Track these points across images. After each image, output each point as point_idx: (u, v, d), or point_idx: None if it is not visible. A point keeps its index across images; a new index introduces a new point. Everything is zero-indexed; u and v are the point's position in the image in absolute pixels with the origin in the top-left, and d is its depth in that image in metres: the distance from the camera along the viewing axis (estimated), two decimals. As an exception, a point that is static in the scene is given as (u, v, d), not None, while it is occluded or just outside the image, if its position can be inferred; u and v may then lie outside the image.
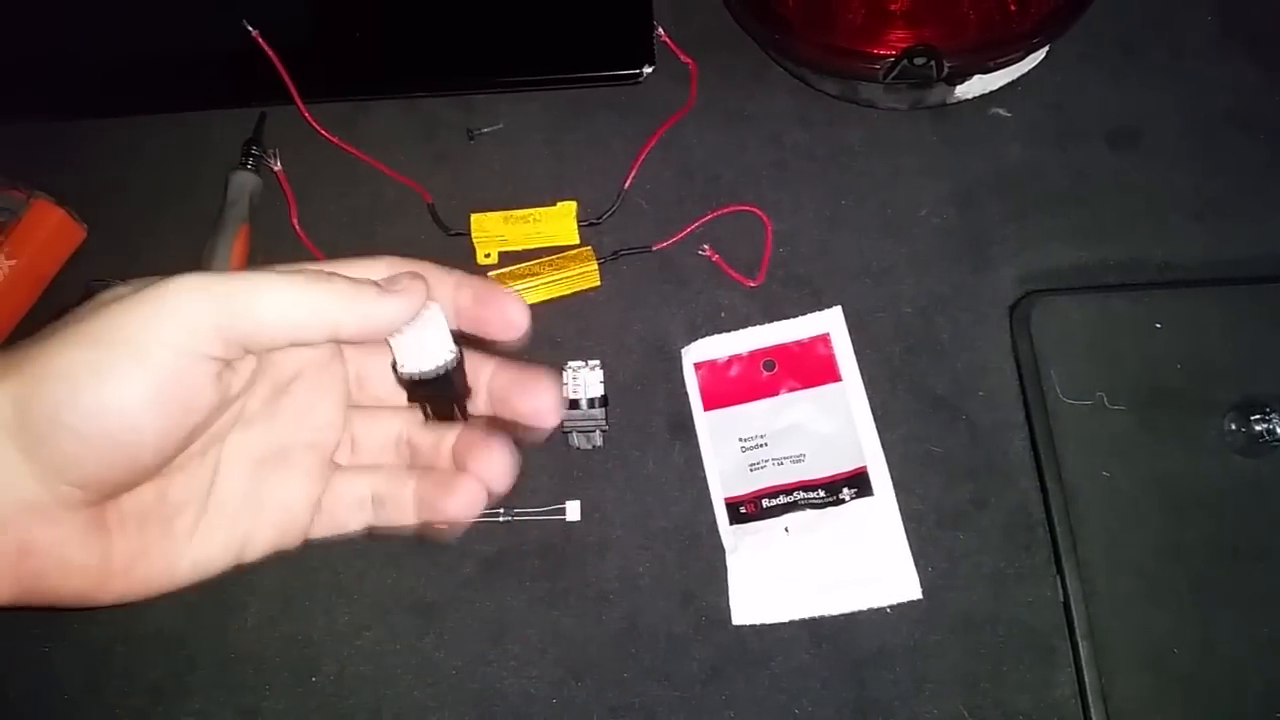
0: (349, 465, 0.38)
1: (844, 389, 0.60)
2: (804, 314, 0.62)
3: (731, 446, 0.59)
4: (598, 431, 0.58)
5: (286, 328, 0.32)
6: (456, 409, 0.37)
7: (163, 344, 0.30)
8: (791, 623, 0.55)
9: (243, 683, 0.55)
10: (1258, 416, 0.56)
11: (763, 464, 0.58)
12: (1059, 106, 0.68)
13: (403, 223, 0.67)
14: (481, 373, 0.38)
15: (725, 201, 0.66)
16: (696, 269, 0.64)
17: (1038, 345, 0.59)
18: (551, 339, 0.63)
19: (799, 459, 0.58)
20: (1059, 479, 0.56)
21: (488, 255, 0.65)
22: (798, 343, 0.61)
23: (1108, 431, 0.57)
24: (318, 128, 0.68)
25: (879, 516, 0.57)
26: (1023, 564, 0.56)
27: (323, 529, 0.37)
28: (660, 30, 0.70)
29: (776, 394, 0.60)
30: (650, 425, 0.60)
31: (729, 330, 0.62)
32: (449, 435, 0.38)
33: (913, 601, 0.55)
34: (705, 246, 0.64)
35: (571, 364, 0.59)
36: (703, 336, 0.62)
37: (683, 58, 0.70)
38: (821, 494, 0.57)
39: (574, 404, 0.58)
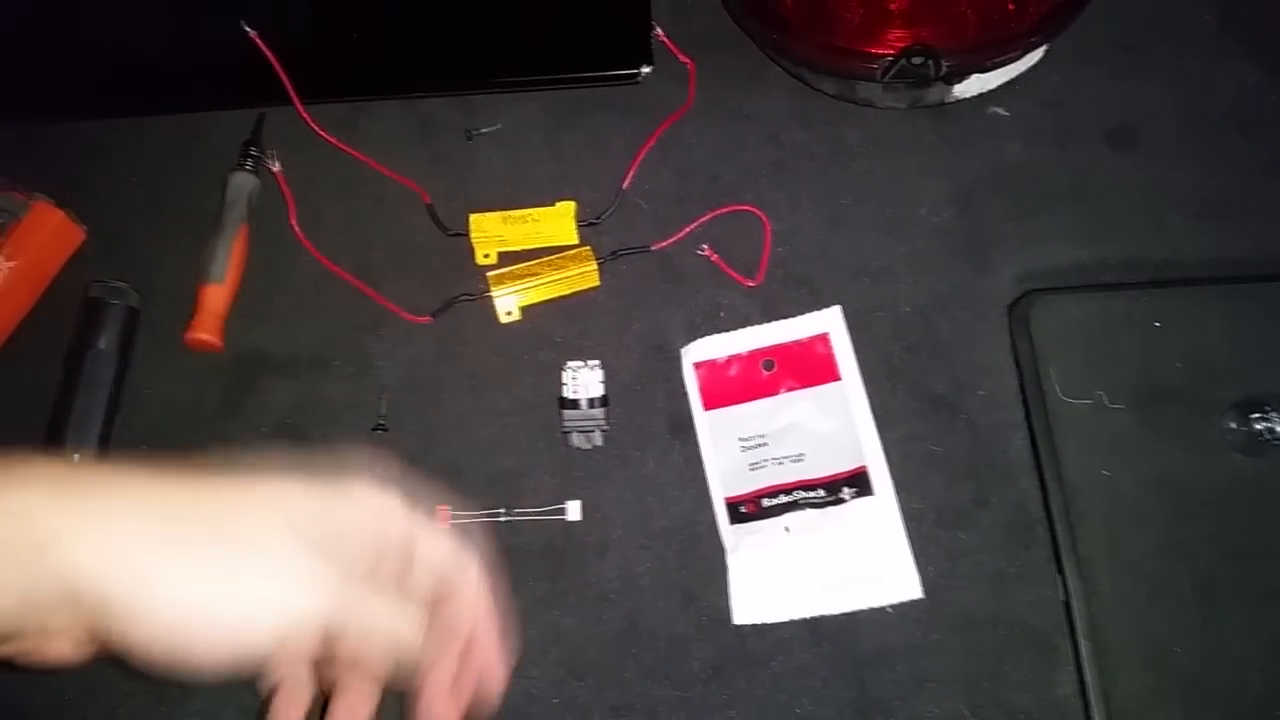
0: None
1: (843, 388, 0.60)
2: (803, 313, 0.62)
3: (731, 446, 0.59)
4: (598, 431, 0.58)
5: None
6: None
7: (265, 632, 0.33)
8: (792, 622, 0.55)
9: (246, 684, 0.55)
10: (1257, 415, 0.56)
11: (763, 463, 0.58)
12: (1058, 106, 0.68)
13: (401, 223, 0.67)
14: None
15: (724, 201, 0.66)
16: (696, 269, 0.64)
17: (1037, 344, 0.59)
18: (551, 339, 0.63)
19: (799, 458, 0.58)
20: (1059, 478, 0.56)
21: (486, 255, 0.65)
22: (797, 342, 0.61)
23: (1108, 430, 0.57)
24: (316, 129, 0.68)
25: (879, 516, 0.56)
26: (1023, 563, 0.56)
27: None
28: (658, 30, 0.70)
29: (776, 393, 0.60)
30: (650, 425, 0.60)
31: (728, 330, 0.62)
32: None
33: (913, 601, 0.55)
34: (704, 246, 0.64)
35: (571, 364, 0.59)
36: (702, 336, 0.62)
37: (681, 58, 0.70)
38: (822, 493, 0.57)
39: (574, 404, 0.58)
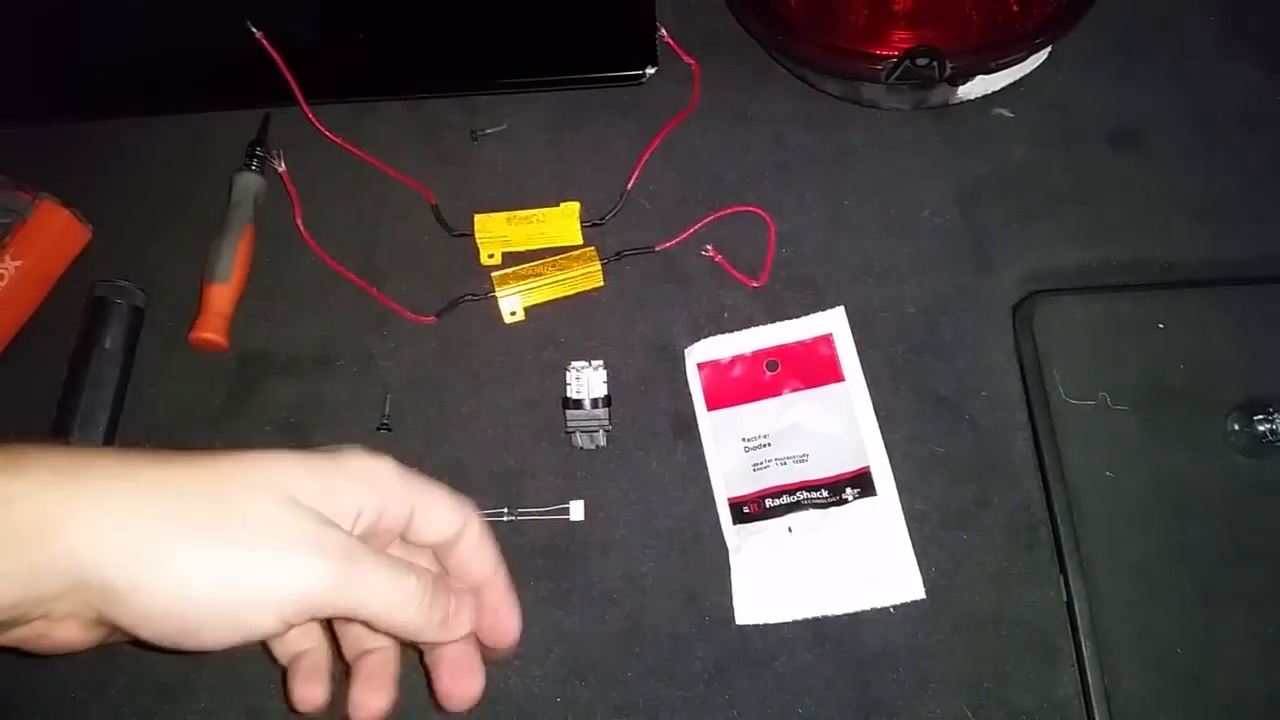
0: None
1: (847, 389, 0.60)
2: (807, 314, 0.62)
3: (735, 446, 0.59)
4: (601, 431, 0.59)
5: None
6: None
7: (266, 612, 0.33)
8: (795, 622, 0.55)
9: (249, 683, 0.55)
10: (1261, 417, 0.56)
11: (766, 464, 0.58)
12: (1062, 107, 0.68)
13: (406, 224, 0.67)
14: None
15: (728, 202, 0.66)
16: (699, 269, 0.64)
17: (1041, 345, 0.59)
18: (555, 339, 0.63)
19: (802, 459, 0.58)
20: (1062, 479, 0.56)
21: (491, 256, 0.65)
22: (801, 343, 0.61)
23: (1111, 432, 0.57)
24: (322, 129, 0.69)
25: (882, 516, 0.57)
26: (1026, 564, 0.56)
27: None
28: (663, 31, 0.70)
29: (779, 394, 0.60)
30: (654, 425, 0.60)
31: (732, 330, 0.62)
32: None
33: (916, 601, 0.55)
34: (708, 247, 0.64)
35: (575, 364, 0.59)
36: (706, 337, 0.62)
37: (685, 59, 0.70)
38: (825, 494, 0.57)
39: (577, 404, 0.58)
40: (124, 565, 0.31)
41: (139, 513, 0.32)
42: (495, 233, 0.65)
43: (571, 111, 0.70)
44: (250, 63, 0.69)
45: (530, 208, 0.65)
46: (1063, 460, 0.56)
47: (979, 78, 0.64)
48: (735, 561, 0.56)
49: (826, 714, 0.53)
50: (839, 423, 0.59)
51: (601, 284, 0.64)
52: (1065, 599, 0.54)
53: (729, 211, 0.65)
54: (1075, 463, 0.56)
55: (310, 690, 0.38)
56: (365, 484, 0.36)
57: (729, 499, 0.58)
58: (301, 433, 0.61)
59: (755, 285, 0.63)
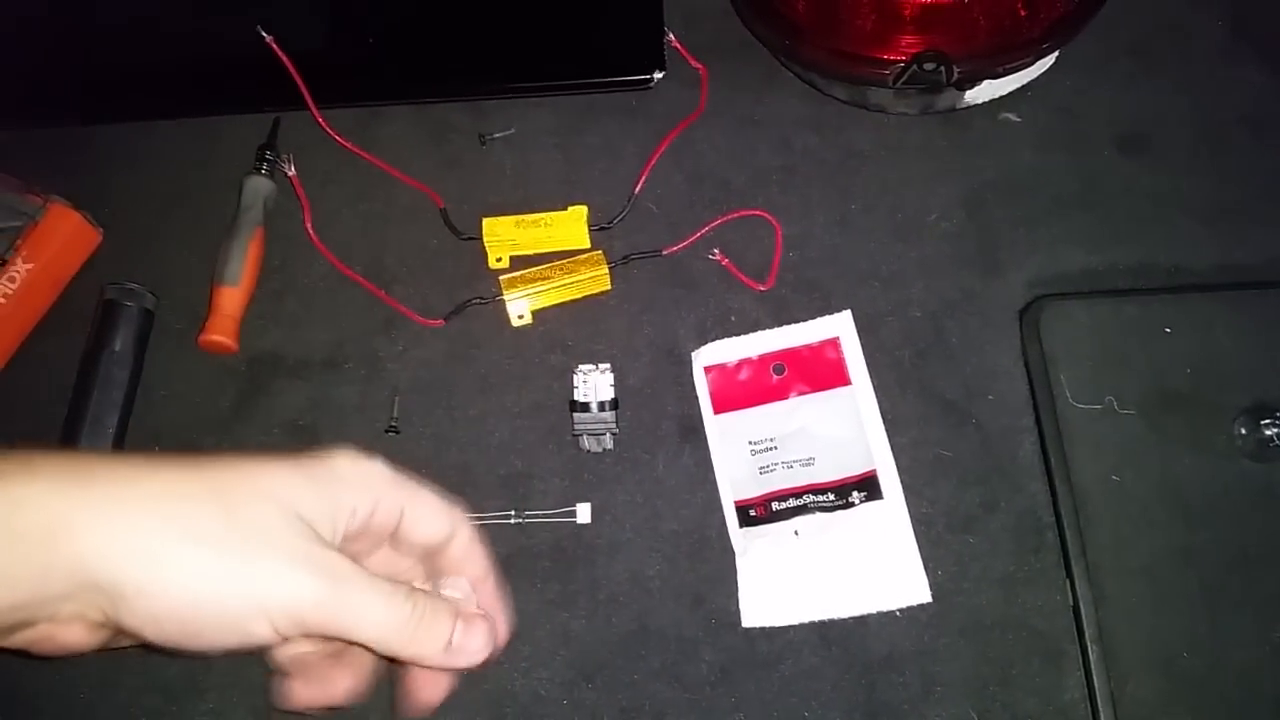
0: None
1: (853, 393, 0.60)
2: (813, 318, 0.62)
3: (741, 450, 0.59)
4: (608, 434, 0.59)
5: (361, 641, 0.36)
6: None
7: (263, 621, 0.33)
8: (801, 625, 0.55)
9: (257, 683, 0.55)
10: (1268, 421, 0.56)
11: (772, 467, 0.58)
12: (1069, 111, 0.68)
13: (415, 227, 0.67)
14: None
15: (735, 206, 0.66)
16: (706, 273, 0.64)
17: (1047, 349, 0.59)
18: (562, 342, 0.63)
19: (809, 462, 0.58)
20: (1068, 483, 0.56)
21: (499, 259, 0.66)
22: (807, 346, 0.62)
23: (1117, 436, 0.57)
24: (331, 133, 0.69)
25: (889, 520, 0.57)
26: (1032, 568, 0.56)
27: None
28: (671, 36, 0.70)
29: (786, 397, 0.61)
30: (660, 428, 0.61)
31: (739, 334, 0.62)
32: None
33: (922, 605, 0.55)
34: (715, 250, 0.64)
35: (582, 367, 0.59)
36: (713, 340, 0.62)
37: (693, 63, 0.70)
38: (831, 497, 0.57)
39: (585, 407, 0.58)
40: (132, 568, 0.31)
41: (147, 517, 0.32)
42: (503, 236, 0.65)
43: (579, 116, 0.70)
44: (260, 67, 0.69)
45: (538, 211, 0.65)
46: (1069, 464, 0.56)
47: (986, 82, 0.64)
48: (742, 564, 0.57)
49: (832, 717, 0.53)
50: (845, 426, 0.59)
51: (609, 287, 0.64)
52: (1072, 603, 0.54)
53: (736, 215, 0.66)
54: (1082, 466, 0.56)
55: (298, 688, 0.39)
56: (357, 484, 0.37)
57: (735, 502, 0.58)
58: (310, 435, 0.61)
59: (762, 289, 0.64)
